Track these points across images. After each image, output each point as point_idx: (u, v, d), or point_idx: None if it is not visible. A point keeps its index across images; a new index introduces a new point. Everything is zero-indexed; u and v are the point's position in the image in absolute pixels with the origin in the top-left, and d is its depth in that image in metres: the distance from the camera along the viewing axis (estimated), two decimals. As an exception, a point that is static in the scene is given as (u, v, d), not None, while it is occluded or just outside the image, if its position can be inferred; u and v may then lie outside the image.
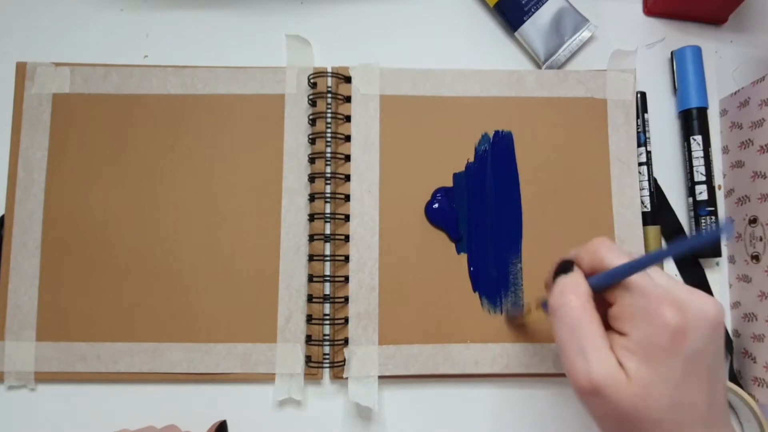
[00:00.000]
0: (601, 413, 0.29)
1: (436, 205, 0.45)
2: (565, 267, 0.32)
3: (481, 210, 0.45)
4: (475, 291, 0.44)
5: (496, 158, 0.46)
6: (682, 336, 0.28)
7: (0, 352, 0.43)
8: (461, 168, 0.46)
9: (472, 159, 0.46)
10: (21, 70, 0.46)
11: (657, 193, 0.47)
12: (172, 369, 0.43)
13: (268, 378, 0.43)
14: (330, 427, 0.44)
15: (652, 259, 0.29)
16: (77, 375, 0.43)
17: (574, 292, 0.31)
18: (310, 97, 0.46)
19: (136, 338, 0.43)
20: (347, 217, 0.45)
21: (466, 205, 0.45)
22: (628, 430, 0.29)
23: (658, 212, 0.46)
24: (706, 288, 0.46)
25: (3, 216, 0.45)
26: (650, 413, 0.28)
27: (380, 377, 0.43)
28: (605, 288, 0.31)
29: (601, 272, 0.31)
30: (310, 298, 0.44)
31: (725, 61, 0.49)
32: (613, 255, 0.31)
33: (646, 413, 0.28)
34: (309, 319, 0.44)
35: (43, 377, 0.43)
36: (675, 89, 0.48)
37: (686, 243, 0.30)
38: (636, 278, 0.30)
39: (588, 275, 0.32)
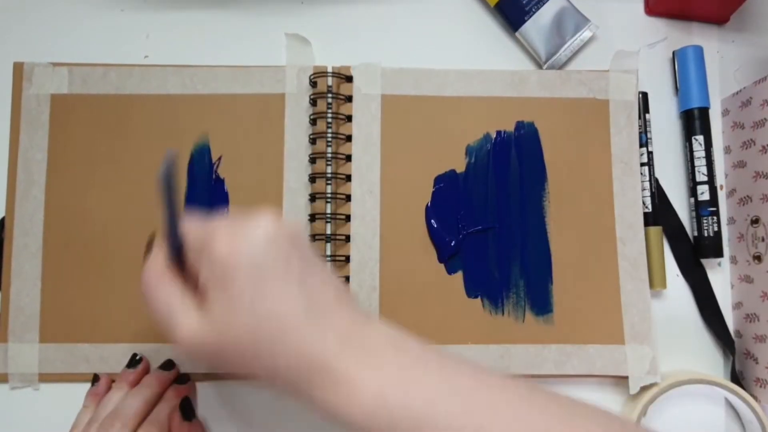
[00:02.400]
0: (207, 359, 0.30)
1: (433, 222, 0.45)
2: (149, 244, 0.33)
3: (482, 211, 0.45)
4: (469, 297, 0.44)
5: (497, 157, 0.46)
6: (233, 262, 0.28)
7: (3, 354, 0.43)
8: (462, 168, 0.46)
9: (473, 159, 0.46)
10: (18, 70, 0.46)
11: (658, 194, 0.47)
12: (174, 370, 0.43)
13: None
14: (331, 427, 0.44)
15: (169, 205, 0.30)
16: (81, 376, 0.43)
17: (150, 269, 0.31)
18: (311, 96, 0.46)
19: (140, 339, 0.43)
20: (348, 218, 0.45)
21: (467, 206, 0.45)
22: (234, 361, 0.29)
23: (659, 213, 0.46)
24: (707, 288, 0.46)
25: (3, 218, 0.45)
26: (238, 340, 0.28)
27: (382, 378, 0.43)
28: (179, 251, 0.31)
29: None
30: (311, 299, 0.44)
31: (727, 60, 0.49)
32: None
33: (234, 343, 0.28)
34: (310, 320, 0.44)
35: (47, 378, 0.43)
36: (677, 89, 0.48)
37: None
38: (192, 235, 0.30)
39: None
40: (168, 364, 0.42)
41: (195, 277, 0.31)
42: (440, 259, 0.45)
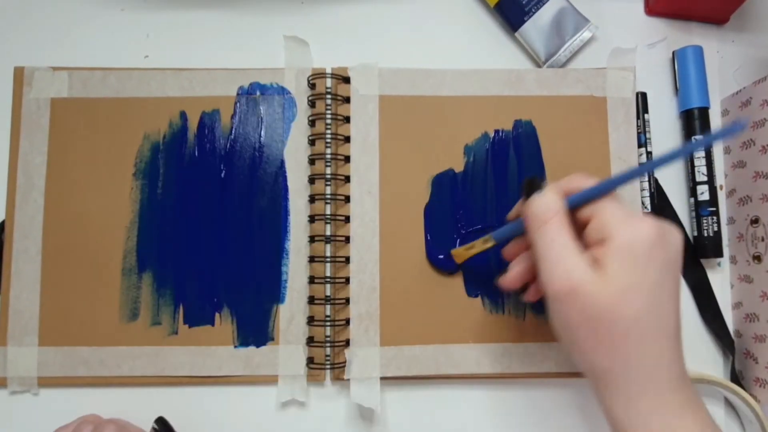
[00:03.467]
0: (576, 315, 0.30)
1: (440, 256, 0.45)
2: (536, 185, 0.34)
3: (481, 210, 0.45)
4: (470, 296, 0.44)
5: (495, 156, 0.46)
6: (660, 245, 0.30)
7: (2, 357, 0.43)
8: (461, 167, 0.46)
9: (471, 159, 0.46)
10: (18, 74, 0.46)
11: (658, 194, 0.47)
12: (175, 372, 0.43)
13: (270, 380, 0.43)
14: (333, 429, 0.44)
15: (633, 173, 0.32)
16: (80, 379, 0.43)
17: (550, 208, 0.32)
18: (310, 98, 0.46)
19: (139, 342, 0.43)
20: (347, 219, 0.45)
21: (466, 205, 0.45)
22: (603, 330, 0.30)
23: (659, 212, 0.46)
24: (707, 288, 0.46)
25: (3, 221, 0.45)
26: (627, 312, 0.29)
27: (382, 378, 0.43)
28: (581, 205, 0.32)
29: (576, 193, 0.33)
30: (311, 300, 0.44)
31: (727, 60, 0.49)
32: (589, 181, 0.33)
33: (623, 312, 0.29)
34: (310, 320, 0.44)
35: (46, 382, 0.43)
36: (676, 89, 0.48)
37: (667, 156, 0.31)
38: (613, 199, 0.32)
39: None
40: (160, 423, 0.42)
41: (579, 228, 0.32)
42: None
